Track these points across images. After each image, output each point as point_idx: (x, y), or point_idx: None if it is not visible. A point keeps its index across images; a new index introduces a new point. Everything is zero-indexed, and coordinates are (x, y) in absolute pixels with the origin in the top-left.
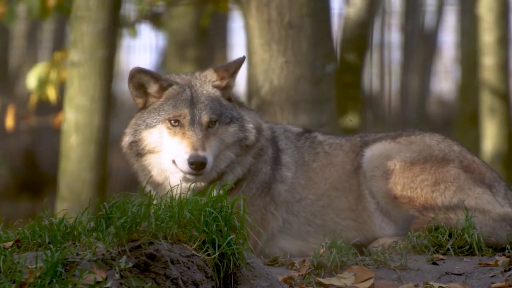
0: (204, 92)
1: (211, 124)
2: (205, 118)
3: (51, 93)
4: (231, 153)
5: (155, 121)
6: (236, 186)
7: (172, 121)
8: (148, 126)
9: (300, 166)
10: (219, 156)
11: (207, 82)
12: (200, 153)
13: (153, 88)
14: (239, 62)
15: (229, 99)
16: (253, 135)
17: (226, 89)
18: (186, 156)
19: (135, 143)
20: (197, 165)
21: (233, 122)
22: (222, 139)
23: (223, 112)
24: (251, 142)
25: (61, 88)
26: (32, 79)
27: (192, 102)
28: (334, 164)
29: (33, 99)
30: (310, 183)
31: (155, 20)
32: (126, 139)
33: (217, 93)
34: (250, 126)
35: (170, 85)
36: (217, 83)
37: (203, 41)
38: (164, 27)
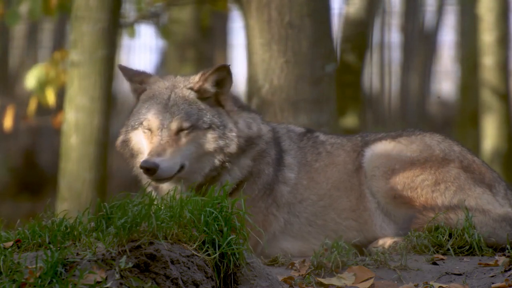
0: (181, 95)
1: (183, 129)
2: (174, 123)
3: (50, 96)
4: (214, 159)
5: (136, 123)
6: (238, 188)
7: (144, 125)
8: (132, 128)
9: (302, 167)
10: (200, 160)
11: (187, 86)
12: (152, 158)
13: (131, 87)
14: (218, 68)
15: (219, 104)
16: (234, 144)
17: (201, 93)
18: (141, 161)
19: (125, 143)
20: (145, 170)
21: (212, 128)
22: (199, 144)
23: (200, 117)
24: (233, 150)
25: (61, 90)
26: (31, 80)
27: (167, 106)
28: (336, 164)
29: (33, 103)
30: (313, 184)
31: (158, 26)
32: (120, 138)
33: (192, 95)
34: (232, 134)
35: (144, 89)
36: (191, 85)
37: (203, 41)
38: (167, 34)
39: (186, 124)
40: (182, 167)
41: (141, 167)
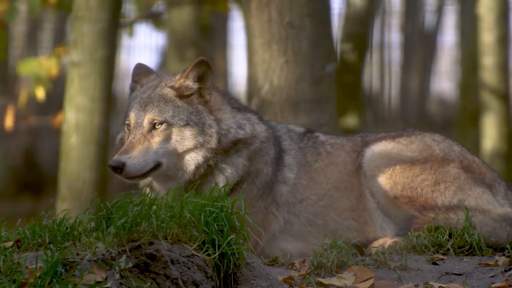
0: (159, 93)
1: (156, 125)
2: (145, 120)
3: (40, 90)
4: (197, 155)
5: (125, 121)
6: (236, 187)
7: (127, 124)
8: (123, 125)
9: (302, 167)
10: (182, 157)
11: (168, 84)
12: (119, 157)
13: (130, 85)
14: (197, 63)
15: (206, 102)
16: (214, 139)
17: (182, 91)
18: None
19: (121, 140)
20: (112, 169)
21: (190, 125)
22: (177, 140)
23: (176, 114)
24: (213, 146)
25: (55, 84)
26: (24, 68)
27: (144, 104)
28: (336, 164)
29: (24, 95)
30: (312, 184)
31: (155, 19)
32: (118, 136)
33: (170, 93)
34: (211, 131)
35: (135, 88)
36: (171, 84)
37: (203, 41)
38: (164, 27)
39: (157, 121)
40: (158, 165)
41: (109, 165)
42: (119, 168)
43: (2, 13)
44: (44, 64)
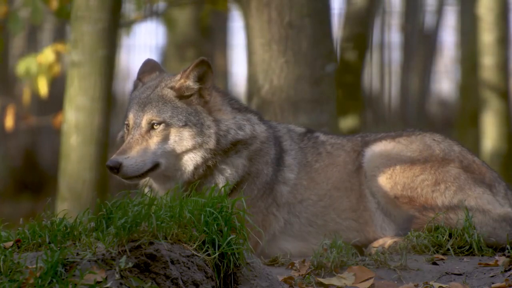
0: (159, 94)
1: (155, 126)
2: (144, 121)
3: (42, 85)
4: (196, 156)
5: (126, 122)
6: (236, 188)
7: (126, 124)
8: (123, 125)
9: (302, 167)
10: (181, 158)
11: (168, 85)
12: (116, 157)
13: (133, 83)
14: (198, 63)
15: (206, 102)
16: (213, 140)
17: (182, 91)
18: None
19: (122, 138)
20: (109, 169)
21: (189, 126)
22: (175, 141)
23: (174, 115)
24: (211, 146)
25: (56, 83)
26: (21, 68)
27: (143, 105)
28: (336, 164)
29: (27, 93)
30: (313, 184)
31: (164, 17)
32: (119, 133)
33: (170, 94)
34: (210, 131)
35: (136, 86)
36: (172, 84)
37: (203, 41)
38: (173, 24)
39: (156, 121)
40: (157, 165)
41: (106, 166)
42: (116, 168)
43: (2, 15)
44: (39, 58)
